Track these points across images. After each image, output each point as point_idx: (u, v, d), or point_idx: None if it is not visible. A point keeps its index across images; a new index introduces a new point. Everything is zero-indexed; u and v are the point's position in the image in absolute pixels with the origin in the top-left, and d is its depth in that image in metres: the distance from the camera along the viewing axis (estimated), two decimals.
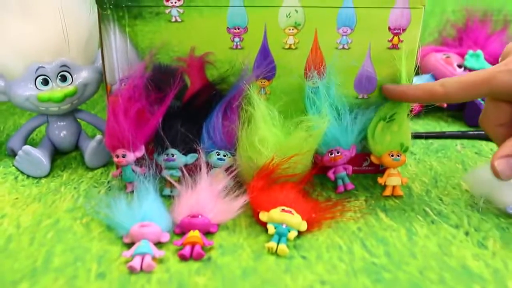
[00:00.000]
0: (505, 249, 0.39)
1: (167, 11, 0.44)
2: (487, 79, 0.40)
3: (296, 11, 0.44)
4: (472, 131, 0.61)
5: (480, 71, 0.41)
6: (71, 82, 0.50)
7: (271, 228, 0.40)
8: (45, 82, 0.49)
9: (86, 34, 0.51)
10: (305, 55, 0.46)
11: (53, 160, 0.53)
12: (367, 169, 0.51)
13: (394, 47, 0.46)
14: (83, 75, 0.51)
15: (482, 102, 0.61)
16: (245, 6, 0.44)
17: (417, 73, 0.50)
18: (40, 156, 0.50)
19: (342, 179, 0.47)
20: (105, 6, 0.43)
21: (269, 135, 0.44)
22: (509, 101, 0.41)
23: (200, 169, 0.43)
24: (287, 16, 0.44)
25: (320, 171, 0.47)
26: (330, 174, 0.47)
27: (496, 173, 0.38)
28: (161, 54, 0.45)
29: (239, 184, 0.45)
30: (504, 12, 0.69)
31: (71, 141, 0.54)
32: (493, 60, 0.65)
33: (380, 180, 0.47)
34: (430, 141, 0.59)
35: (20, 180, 0.50)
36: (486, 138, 0.59)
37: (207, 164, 0.45)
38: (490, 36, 0.68)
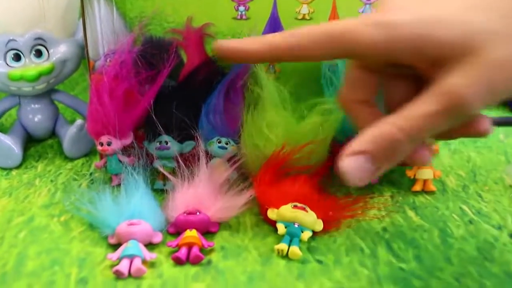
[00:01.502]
0: None
1: None
2: (342, 33, 0.32)
3: None
4: None
5: (336, 21, 0.35)
6: (47, 58, 0.50)
7: (281, 228, 0.40)
8: (17, 58, 0.49)
9: (65, 1, 0.51)
10: None
11: (26, 148, 0.53)
12: None
13: None
14: (61, 50, 0.51)
15: None
16: None
17: None
18: (10, 144, 0.50)
19: None
20: None
21: (278, 119, 0.44)
22: (373, 70, 0.34)
23: (198, 159, 0.43)
24: None
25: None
26: None
27: (343, 175, 0.31)
28: (153, 25, 0.45)
29: (243, 176, 0.45)
30: None
31: (47, 126, 0.54)
32: None
33: (409, 173, 0.47)
34: None
35: None
36: None
37: (207, 153, 0.45)
38: None
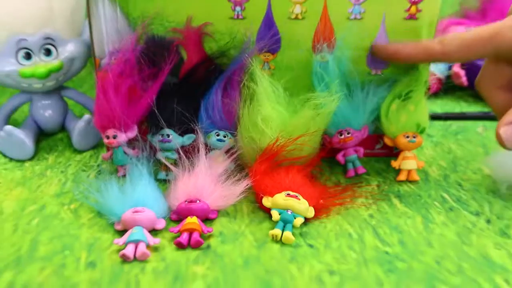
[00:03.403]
0: None
1: None
2: (491, 36, 0.38)
3: None
4: None
5: (483, 27, 0.40)
6: (56, 56, 0.50)
7: (275, 214, 0.40)
8: (28, 56, 0.49)
9: (72, 3, 0.51)
10: (313, 26, 0.45)
11: (37, 141, 0.53)
12: (380, 152, 0.51)
13: (412, 17, 0.45)
14: (69, 49, 0.51)
15: None
16: None
17: None
18: (23, 137, 0.50)
19: (352, 162, 0.48)
20: None
21: (273, 113, 0.44)
22: (511, 61, 0.40)
23: (198, 151, 0.44)
24: None
25: (328, 154, 0.47)
26: (340, 157, 0.47)
27: (501, 142, 0.38)
28: (155, 24, 0.45)
29: (240, 167, 0.45)
30: None
31: (57, 121, 0.54)
32: None
33: (394, 164, 0.47)
34: (449, 122, 0.59)
35: (1, 163, 0.50)
36: None
37: (206, 145, 0.45)
38: None
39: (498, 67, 0.40)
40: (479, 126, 0.58)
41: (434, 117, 0.58)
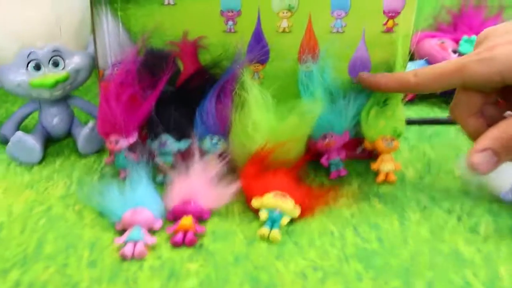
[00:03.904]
0: (496, 235, 0.39)
1: None
2: (459, 69, 0.38)
3: None
4: None
5: (451, 60, 0.39)
6: (63, 68, 0.49)
7: (263, 214, 0.39)
8: (37, 67, 0.48)
9: (78, 19, 0.50)
10: (299, 39, 0.45)
11: (46, 147, 0.52)
12: (361, 155, 0.50)
13: (389, 30, 0.45)
14: (75, 61, 0.50)
15: None
16: None
17: (411, 59, 0.49)
18: (33, 143, 0.49)
19: (335, 165, 0.47)
20: None
21: (262, 120, 0.43)
22: (480, 91, 0.39)
23: (193, 155, 0.43)
24: (280, 0, 0.43)
25: (313, 157, 0.46)
26: (324, 160, 0.47)
27: (473, 169, 0.36)
28: (154, 38, 0.44)
29: (232, 170, 0.44)
30: None
31: (64, 127, 0.53)
32: None
33: (374, 166, 0.47)
34: (424, 127, 0.58)
35: (12, 167, 0.49)
36: None
37: (200, 149, 0.44)
38: (484, 22, 0.67)
39: (469, 95, 0.39)
40: (451, 130, 0.57)
41: (410, 122, 0.58)
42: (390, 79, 0.43)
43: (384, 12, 0.44)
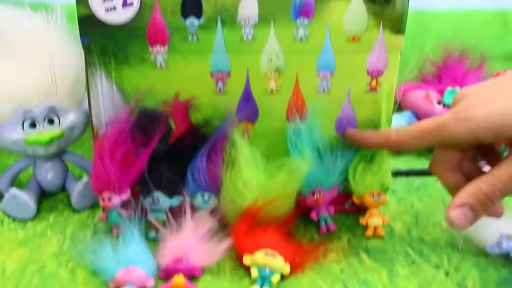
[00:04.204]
0: None
1: (152, 57, 0.45)
2: (437, 129, 0.39)
3: (277, 56, 0.45)
4: None
5: (430, 119, 0.41)
6: (58, 125, 0.51)
7: (254, 272, 0.40)
8: (33, 125, 0.50)
9: (73, 77, 0.52)
10: (287, 99, 0.46)
11: (40, 201, 0.53)
12: (350, 209, 0.51)
13: (373, 89, 0.47)
14: (70, 118, 0.51)
15: None
16: (227, 52, 0.45)
17: (398, 110, 0.51)
18: (27, 199, 0.50)
19: (324, 219, 0.48)
20: (92, 53, 0.44)
21: (252, 177, 0.44)
22: (458, 148, 0.41)
23: (185, 212, 0.44)
24: (268, 62, 0.45)
25: (303, 212, 0.47)
26: (313, 215, 0.48)
27: (451, 224, 0.37)
28: (147, 98, 0.46)
29: (223, 226, 0.45)
30: (480, 50, 0.71)
31: (58, 182, 0.54)
32: None
33: (362, 221, 0.48)
34: (412, 178, 0.59)
35: (6, 224, 0.50)
36: None
37: (192, 206, 0.45)
38: (467, 73, 0.70)
39: (447, 152, 0.41)
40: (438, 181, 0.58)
41: (398, 173, 0.59)
42: (375, 136, 0.45)
43: (368, 72, 0.46)
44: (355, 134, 0.47)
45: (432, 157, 0.43)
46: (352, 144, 0.47)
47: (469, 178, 0.39)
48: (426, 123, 0.41)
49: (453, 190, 0.40)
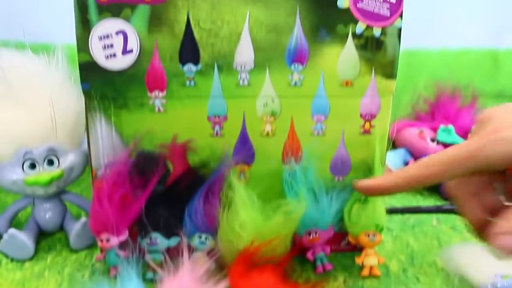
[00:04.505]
0: None
1: (150, 102, 0.46)
2: (472, 155, 0.35)
3: (273, 100, 0.46)
4: (447, 204, 0.63)
5: (452, 148, 0.37)
6: (58, 166, 0.52)
7: None
8: (32, 166, 0.50)
9: (73, 119, 0.53)
10: (283, 141, 0.48)
11: (38, 241, 0.54)
12: (346, 248, 0.52)
13: (366, 132, 0.48)
14: (69, 159, 0.52)
15: None
16: (224, 97, 0.46)
17: (393, 147, 0.52)
18: (25, 240, 0.51)
19: (320, 259, 0.48)
20: (92, 97, 0.45)
21: (248, 219, 0.45)
22: (482, 173, 0.37)
23: (182, 253, 0.44)
24: (264, 106, 0.47)
25: (299, 252, 0.48)
26: (309, 255, 0.48)
27: (504, 250, 0.34)
28: (145, 141, 0.47)
29: (220, 267, 0.46)
30: (471, 88, 0.73)
31: (57, 222, 0.55)
32: (464, 133, 0.68)
33: (358, 260, 0.48)
34: (407, 215, 0.60)
35: (4, 264, 0.50)
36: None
37: (189, 247, 0.45)
38: (460, 111, 0.71)
39: (471, 177, 0.39)
40: (433, 218, 0.59)
41: (393, 211, 0.60)
42: (397, 178, 0.39)
43: (361, 116, 0.47)
44: (369, 184, 0.41)
45: (453, 182, 0.40)
46: (369, 196, 0.45)
47: (486, 206, 0.38)
48: (452, 152, 0.37)
49: (471, 216, 0.39)
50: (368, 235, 0.48)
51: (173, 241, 0.47)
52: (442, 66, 0.80)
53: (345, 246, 0.52)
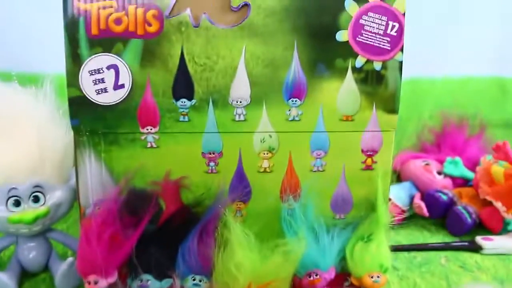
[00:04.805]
0: None
1: (142, 137, 0.47)
2: None
3: (270, 136, 0.48)
4: (455, 241, 0.63)
5: None
6: (44, 203, 0.52)
7: None
8: (17, 203, 0.51)
9: (61, 153, 0.54)
10: (280, 178, 0.49)
11: (21, 282, 0.54)
12: None
13: (368, 168, 0.49)
14: (56, 195, 0.53)
15: (463, 211, 0.64)
16: (219, 132, 0.47)
17: (398, 180, 0.53)
18: (7, 282, 0.51)
19: None
20: (81, 133, 0.47)
21: (245, 260, 0.46)
22: None
23: None
24: (261, 141, 0.48)
25: None
26: None
27: None
28: (137, 178, 0.48)
29: None
30: (479, 117, 0.74)
31: (41, 262, 0.55)
32: (472, 165, 0.69)
33: None
34: (414, 253, 0.61)
35: None
36: (469, 249, 0.61)
37: None
38: (467, 141, 0.72)
39: None
40: (441, 256, 0.60)
41: (399, 248, 0.60)
42: None
43: (362, 151, 0.49)
44: None
45: None
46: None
47: None
48: None
49: None
50: (372, 277, 0.48)
51: (165, 283, 0.47)
52: (447, 94, 0.82)
53: (347, 287, 0.52)
